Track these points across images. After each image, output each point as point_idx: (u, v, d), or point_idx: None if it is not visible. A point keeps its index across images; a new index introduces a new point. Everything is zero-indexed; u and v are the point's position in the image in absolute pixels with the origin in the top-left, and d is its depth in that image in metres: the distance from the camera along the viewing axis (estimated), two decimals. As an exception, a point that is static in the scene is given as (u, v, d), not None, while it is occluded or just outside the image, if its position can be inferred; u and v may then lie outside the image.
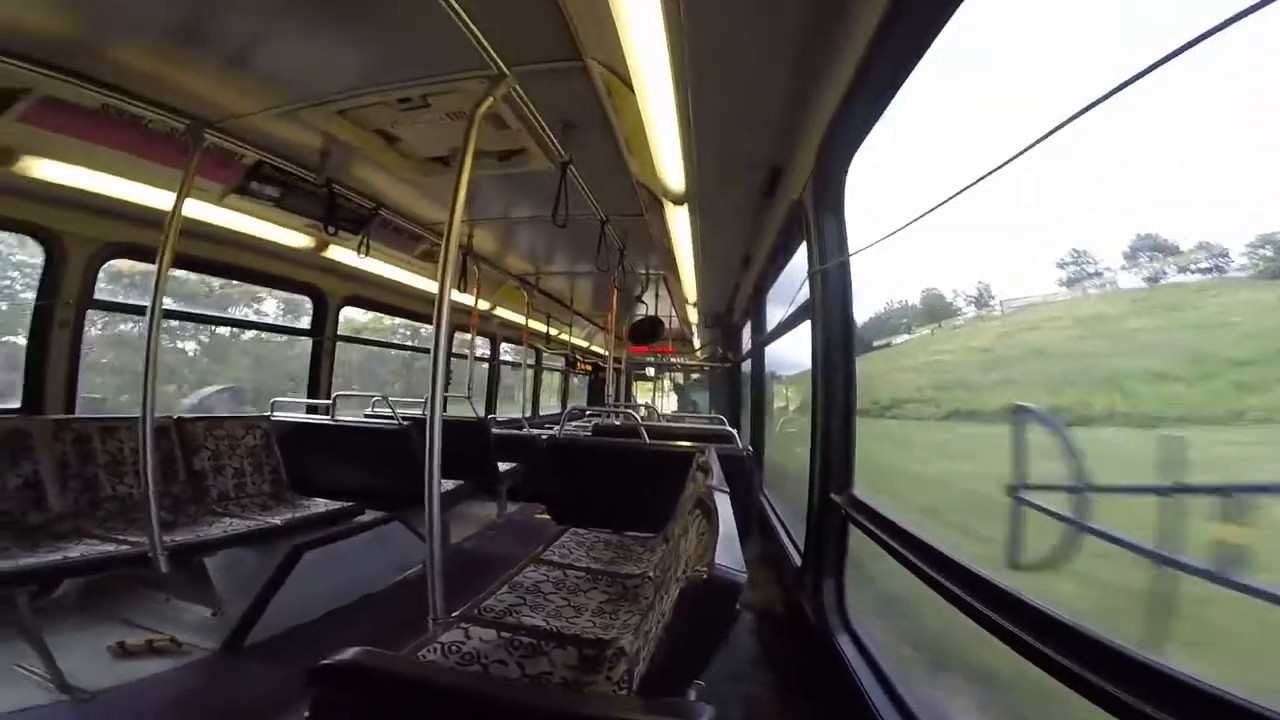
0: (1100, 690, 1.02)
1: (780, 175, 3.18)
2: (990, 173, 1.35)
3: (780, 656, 2.93)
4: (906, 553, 1.77)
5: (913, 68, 1.76)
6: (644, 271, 6.12)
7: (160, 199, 2.81)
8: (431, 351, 2.16)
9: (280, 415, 3.98)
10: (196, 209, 3.27)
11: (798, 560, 3.04)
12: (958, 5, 1.50)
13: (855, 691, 1.91)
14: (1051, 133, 1.14)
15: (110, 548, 2.61)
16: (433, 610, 2.09)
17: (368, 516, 3.53)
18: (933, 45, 1.64)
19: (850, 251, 2.53)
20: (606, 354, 7.41)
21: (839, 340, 2.56)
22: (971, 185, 1.41)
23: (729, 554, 1.21)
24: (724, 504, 1.68)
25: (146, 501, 2.58)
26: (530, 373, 9.59)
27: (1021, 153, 1.23)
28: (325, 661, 1.18)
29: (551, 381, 11.88)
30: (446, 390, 6.51)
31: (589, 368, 11.87)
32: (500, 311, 7.16)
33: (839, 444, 2.52)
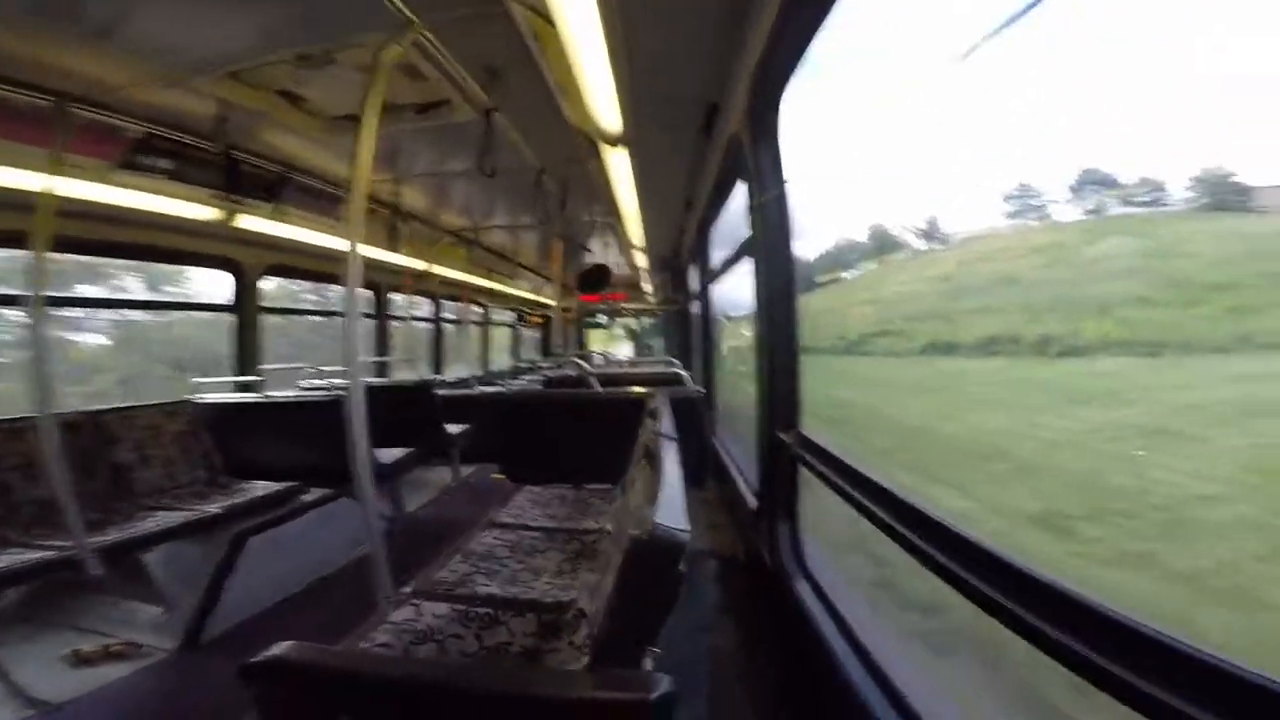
0: (1077, 655, 0.91)
1: (717, 112, 3.07)
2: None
3: (744, 604, 2.95)
4: (858, 494, 1.72)
5: None
6: (589, 219, 5.98)
7: (38, 183, 2.59)
8: (345, 314, 2.06)
9: (205, 397, 3.77)
10: (81, 189, 3.01)
11: (754, 504, 3.06)
12: None
13: (817, 639, 1.89)
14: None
15: (35, 554, 2.46)
16: (382, 588, 2.03)
17: (313, 495, 3.40)
18: None
19: (787, 181, 2.47)
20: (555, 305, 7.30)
21: (781, 274, 2.51)
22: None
23: (671, 509, 1.16)
24: (670, 452, 1.64)
25: (63, 502, 2.45)
26: (477, 330, 9.39)
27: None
28: (254, 659, 1.11)
29: (502, 337, 11.69)
30: (385, 354, 6.39)
31: (540, 320, 11.69)
32: (440, 270, 6.92)
33: (784, 381, 2.50)
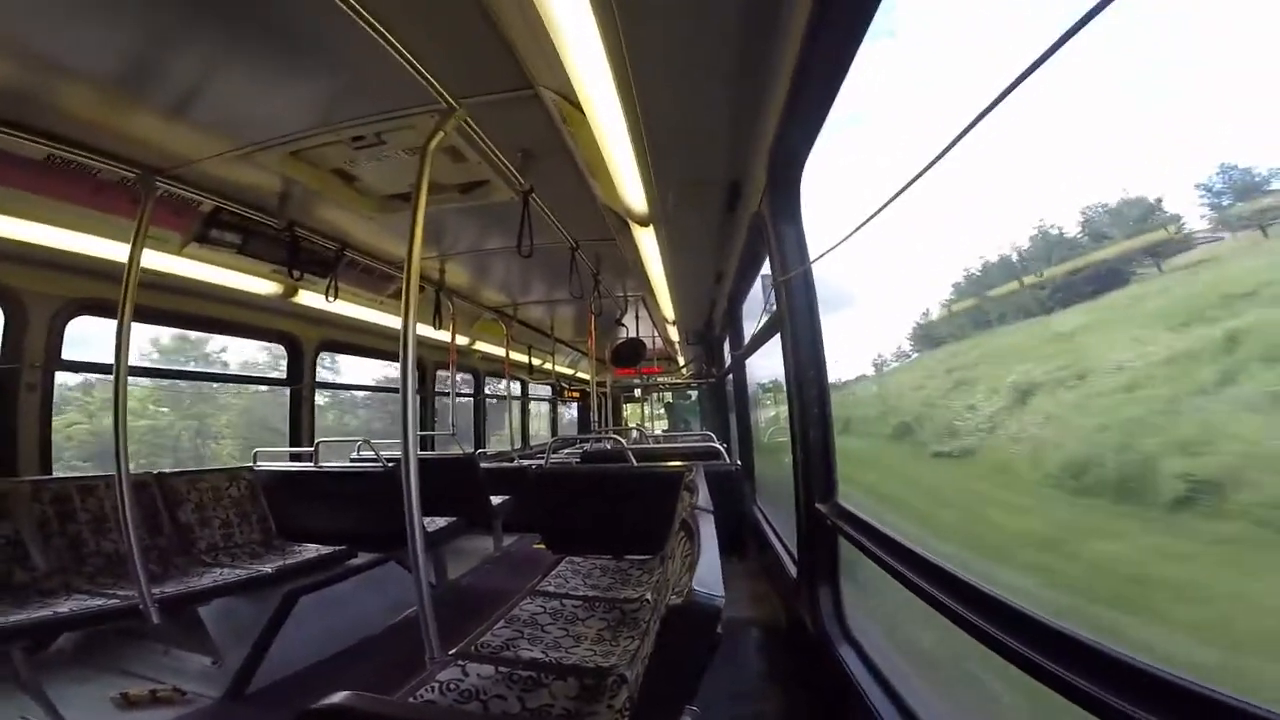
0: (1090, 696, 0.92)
1: (739, 189, 3.22)
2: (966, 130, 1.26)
3: (785, 671, 2.88)
4: (894, 562, 1.72)
5: (848, 66, 1.78)
6: (621, 294, 6.16)
7: (120, 252, 2.79)
8: (400, 390, 2.16)
9: (264, 465, 3.94)
10: (157, 260, 3.24)
11: (795, 572, 3.02)
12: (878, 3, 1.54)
13: (862, 706, 1.86)
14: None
15: (100, 602, 2.61)
16: (428, 649, 2.06)
17: (361, 559, 3.49)
18: (864, 41, 1.65)
19: (811, 259, 2.55)
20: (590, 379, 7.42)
21: (809, 348, 2.57)
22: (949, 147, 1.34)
23: (708, 576, 1.20)
24: (707, 524, 1.68)
25: (130, 555, 2.57)
26: (517, 404, 9.56)
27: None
28: (314, 706, 1.17)
29: (541, 412, 11.84)
30: (432, 429, 6.52)
31: (576, 395, 11.83)
32: (481, 346, 7.15)
33: (818, 453, 2.52)
